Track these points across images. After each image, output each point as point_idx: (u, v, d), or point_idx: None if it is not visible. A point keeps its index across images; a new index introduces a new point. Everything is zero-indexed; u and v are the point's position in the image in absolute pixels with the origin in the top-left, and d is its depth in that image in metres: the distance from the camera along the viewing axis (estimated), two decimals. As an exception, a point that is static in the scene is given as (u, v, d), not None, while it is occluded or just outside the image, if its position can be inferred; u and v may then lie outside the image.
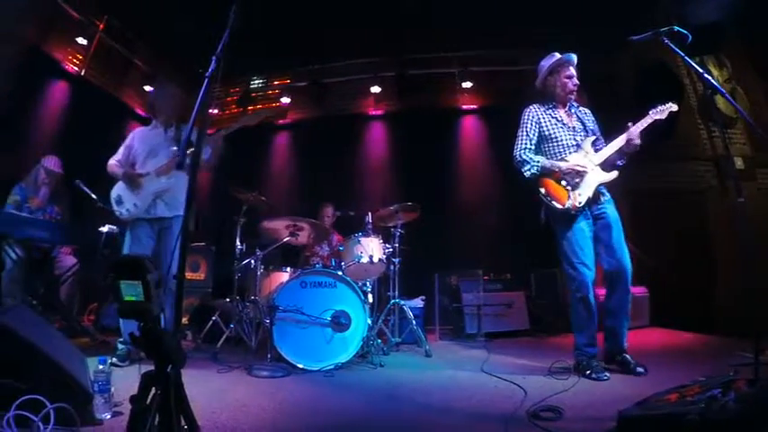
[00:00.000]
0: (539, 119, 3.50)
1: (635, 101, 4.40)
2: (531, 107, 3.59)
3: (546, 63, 3.57)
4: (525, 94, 6.89)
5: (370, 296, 4.49)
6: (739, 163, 5.43)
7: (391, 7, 5.94)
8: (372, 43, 6.96)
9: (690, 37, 2.77)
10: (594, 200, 3.32)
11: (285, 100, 7.82)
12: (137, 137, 4.16)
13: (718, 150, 5.42)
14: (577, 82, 3.51)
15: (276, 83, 8.21)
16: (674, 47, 2.76)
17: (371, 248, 4.34)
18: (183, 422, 1.25)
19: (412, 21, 6.24)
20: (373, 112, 7.97)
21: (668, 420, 1.55)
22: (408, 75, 7.39)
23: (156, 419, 1.18)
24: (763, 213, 4.72)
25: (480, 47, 7.08)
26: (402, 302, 4.66)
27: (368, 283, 4.57)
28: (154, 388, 1.22)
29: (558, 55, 3.52)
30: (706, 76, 2.57)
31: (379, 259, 4.36)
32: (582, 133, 3.47)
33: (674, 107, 3.29)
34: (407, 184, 6.98)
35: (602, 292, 3.44)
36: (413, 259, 5.14)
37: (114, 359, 3.44)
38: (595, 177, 3.29)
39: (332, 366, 3.63)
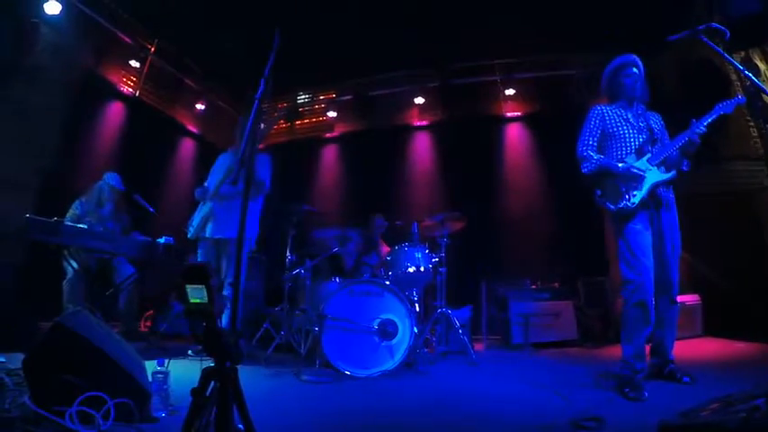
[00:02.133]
0: (604, 116, 3.46)
1: (682, 100, 4.30)
2: (598, 105, 3.54)
3: (608, 66, 3.56)
4: (569, 98, 6.88)
5: (416, 305, 4.54)
6: (793, 160, 5.18)
7: (431, 17, 6.02)
8: (415, 54, 7.03)
9: (728, 34, 2.71)
10: (653, 202, 3.24)
11: (332, 114, 8.04)
12: (218, 161, 4.67)
13: (768, 149, 5.17)
14: (639, 80, 3.44)
15: (322, 97, 8.42)
16: (712, 44, 2.72)
17: (418, 258, 4.40)
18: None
19: (452, 29, 6.28)
20: (418, 123, 8.07)
21: (707, 429, 1.53)
22: (451, 84, 7.46)
23: (214, 411, 1.30)
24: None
25: (521, 53, 7.05)
26: (449, 311, 4.68)
27: (414, 293, 4.62)
28: (213, 381, 1.35)
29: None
30: (746, 72, 2.52)
31: (426, 268, 4.41)
32: (646, 133, 3.38)
33: (742, 100, 3.18)
34: (453, 194, 7.05)
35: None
36: (460, 268, 5.16)
37: (190, 351, 4.02)
38: (652, 177, 3.21)
39: (378, 374, 3.70)
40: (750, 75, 2.54)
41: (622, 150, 3.35)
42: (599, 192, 3.32)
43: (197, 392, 1.34)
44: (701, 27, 2.71)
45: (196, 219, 4.46)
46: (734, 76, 5.32)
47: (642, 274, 3.10)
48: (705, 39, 2.68)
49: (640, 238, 3.16)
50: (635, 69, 3.45)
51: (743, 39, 5.19)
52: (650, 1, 5.21)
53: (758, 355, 4.16)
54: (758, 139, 5.20)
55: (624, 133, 3.38)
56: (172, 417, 2.38)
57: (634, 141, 3.35)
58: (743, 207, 5.25)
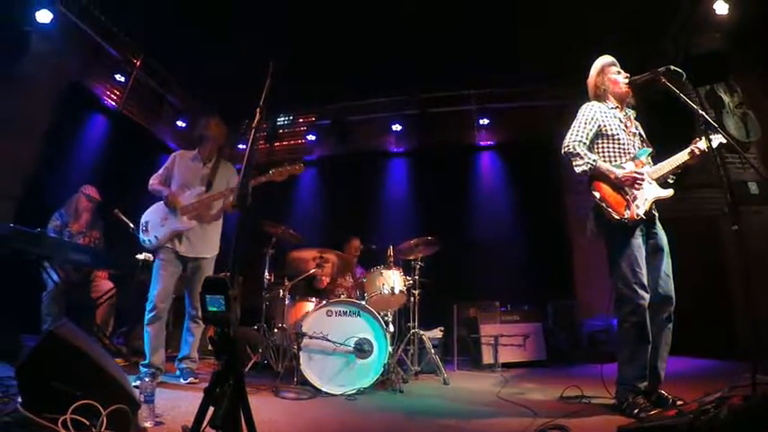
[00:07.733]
0: (599, 116, 3.14)
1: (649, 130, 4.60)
2: (592, 102, 3.25)
3: (592, 69, 3.36)
4: (541, 129, 7.19)
5: (391, 326, 4.67)
6: (754, 188, 5.49)
7: (411, 46, 6.27)
8: (394, 82, 7.31)
9: (684, 75, 2.92)
10: (649, 217, 3.03)
11: (311, 137, 8.23)
12: (177, 161, 4.17)
13: (732, 176, 5.36)
14: (628, 75, 3.24)
15: (301, 120, 8.62)
16: (671, 86, 2.91)
17: (393, 280, 4.54)
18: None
19: (431, 59, 6.53)
20: (395, 149, 8.33)
21: (661, 431, 1.72)
22: (428, 113, 7.72)
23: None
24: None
25: (496, 84, 7.39)
26: (421, 332, 4.83)
27: (389, 314, 4.75)
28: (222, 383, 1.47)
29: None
30: (700, 111, 2.77)
31: (400, 291, 4.54)
32: (639, 142, 3.19)
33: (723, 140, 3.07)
34: (427, 219, 7.23)
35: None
36: (432, 291, 5.29)
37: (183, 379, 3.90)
38: (652, 192, 3.02)
39: (354, 391, 3.79)
40: (704, 114, 2.78)
41: (619, 154, 3.12)
42: (598, 195, 3.00)
43: (209, 392, 1.46)
44: (660, 69, 2.95)
45: (162, 231, 3.91)
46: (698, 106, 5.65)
47: (642, 294, 2.89)
48: (665, 80, 2.91)
49: (640, 254, 2.95)
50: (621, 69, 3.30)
51: (708, 74, 5.53)
52: (620, 37, 5.52)
53: (716, 371, 4.40)
54: (721, 167, 5.49)
55: (622, 136, 3.13)
56: (157, 427, 2.46)
57: (630, 147, 3.13)
58: (709, 231, 5.54)
